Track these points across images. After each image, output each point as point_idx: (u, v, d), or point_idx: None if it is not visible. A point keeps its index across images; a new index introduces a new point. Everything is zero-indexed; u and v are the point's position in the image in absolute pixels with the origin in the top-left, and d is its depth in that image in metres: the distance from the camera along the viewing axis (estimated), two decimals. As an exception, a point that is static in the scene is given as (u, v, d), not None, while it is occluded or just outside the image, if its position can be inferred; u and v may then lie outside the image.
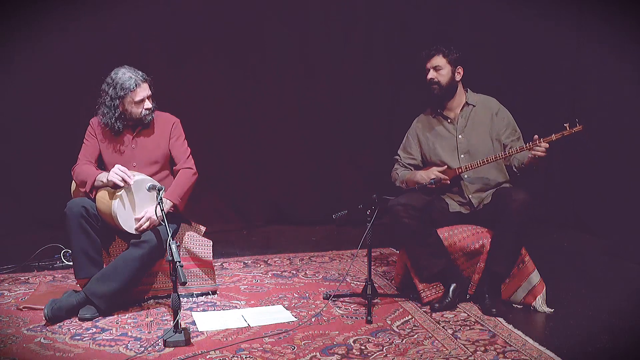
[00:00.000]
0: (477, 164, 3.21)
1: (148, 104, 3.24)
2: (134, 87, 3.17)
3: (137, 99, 3.19)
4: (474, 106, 3.37)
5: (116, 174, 3.04)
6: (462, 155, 3.31)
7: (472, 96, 3.39)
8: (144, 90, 3.21)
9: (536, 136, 3.03)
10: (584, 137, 3.03)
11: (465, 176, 3.29)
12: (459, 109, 3.37)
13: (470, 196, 3.30)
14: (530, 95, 5.01)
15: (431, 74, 3.33)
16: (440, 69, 3.31)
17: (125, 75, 3.19)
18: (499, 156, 3.20)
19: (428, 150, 3.42)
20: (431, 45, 3.40)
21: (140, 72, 3.24)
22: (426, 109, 3.51)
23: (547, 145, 2.99)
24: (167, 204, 3.17)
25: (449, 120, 3.39)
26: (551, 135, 3.02)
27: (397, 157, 3.57)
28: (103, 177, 3.12)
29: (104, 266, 3.11)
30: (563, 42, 4.84)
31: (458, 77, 3.35)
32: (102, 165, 3.32)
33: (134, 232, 3.12)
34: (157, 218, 3.10)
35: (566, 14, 4.71)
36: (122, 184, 3.04)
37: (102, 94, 3.24)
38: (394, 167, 3.57)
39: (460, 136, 3.34)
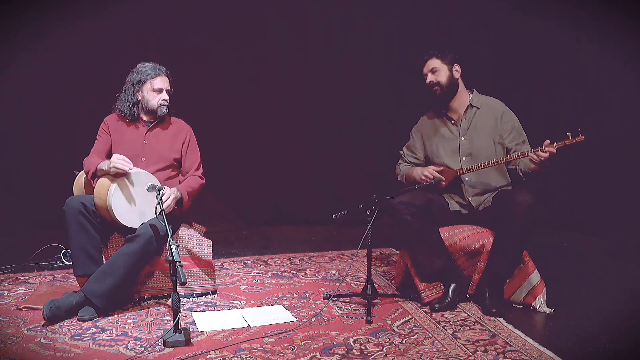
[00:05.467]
0: (478, 167, 3.20)
1: (165, 96, 3.37)
2: (155, 74, 3.36)
3: (157, 86, 3.35)
4: (478, 108, 3.33)
5: (116, 160, 3.07)
6: (464, 158, 3.29)
7: (476, 98, 3.36)
8: (163, 81, 3.38)
9: (547, 141, 3.00)
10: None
11: (466, 179, 3.28)
12: (463, 110, 3.34)
13: (470, 199, 3.29)
14: (530, 95, 5.01)
15: (430, 77, 3.32)
16: (436, 70, 3.30)
17: (149, 65, 3.40)
18: (500, 160, 3.17)
19: (431, 151, 3.41)
20: (428, 47, 3.40)
21: (164, 68, 3.43)
22: (430, 109, 3.49)
23: (554, 150, 2.97)
24: (174, 194, 3.19)
25: (452, 122, 3.36)
26: (552, 143, 3.00)
27: (402, 152, 3.57)
28: (104, 164, 3.15)
29: (104, 262, 3.11)
30: (563, 42, 4.85)
31: (457, 75, 3.32)
32: None
33: (131, 226, 3.12)
34: (174, 195, 3.19)
35: (566, 14, 4.72)
36: (120, 168, 3.05)
37: (125, 84, 3.39)
38: (398, 162, 3.57)
39: (462, 138, 3.31)
